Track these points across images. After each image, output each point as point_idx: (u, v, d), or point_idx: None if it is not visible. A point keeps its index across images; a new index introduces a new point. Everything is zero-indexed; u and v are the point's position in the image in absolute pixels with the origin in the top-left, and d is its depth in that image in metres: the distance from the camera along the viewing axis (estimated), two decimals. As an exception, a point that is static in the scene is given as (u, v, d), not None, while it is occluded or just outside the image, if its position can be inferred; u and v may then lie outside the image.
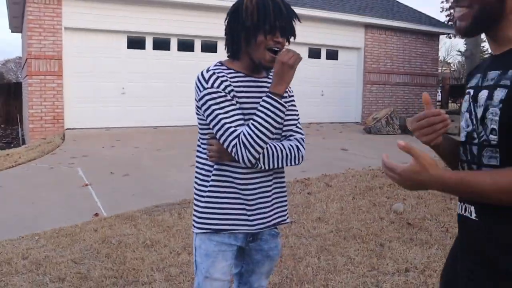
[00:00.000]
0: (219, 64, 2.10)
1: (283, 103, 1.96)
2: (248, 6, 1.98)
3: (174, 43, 13.04)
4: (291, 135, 2.18)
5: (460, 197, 1.51)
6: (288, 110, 2.16)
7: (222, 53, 2.08)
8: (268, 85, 2.11)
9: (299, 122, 2.25)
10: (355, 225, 5.00)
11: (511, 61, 1.41)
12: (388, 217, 5.28)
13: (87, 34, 11.87)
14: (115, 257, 4.21)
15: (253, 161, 1.96)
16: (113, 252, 4.33)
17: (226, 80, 2.01)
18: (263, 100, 1.96)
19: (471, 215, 1.45)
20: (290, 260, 4.12)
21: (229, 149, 1.95)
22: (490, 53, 1.63)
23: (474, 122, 1.47)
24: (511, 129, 1.35)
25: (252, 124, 1.94)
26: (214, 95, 1.97)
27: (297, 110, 2.28)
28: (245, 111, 2.03)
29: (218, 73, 2.02)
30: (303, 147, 2.16)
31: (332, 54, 15.92)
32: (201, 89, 2.00)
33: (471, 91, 1.52)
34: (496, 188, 1.30)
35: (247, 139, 1.92)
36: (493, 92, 1.40)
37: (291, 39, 2.08)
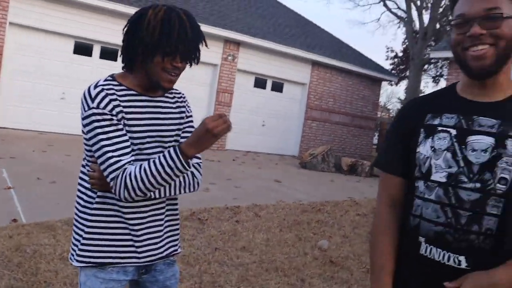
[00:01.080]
0: (110, 79, 1.85)
1: (187, 166, 1.73)
2: (151, 21, 1.75)
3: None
4: None
5: (437, 242, 1.48)
6: (184, 132, 2.01)
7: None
8: (165, 105, 1.94)
9: None
10: (278, 258, 5.01)
11: (509, 112, 1.45)
12: (312, 252, 5.32)
13: (33, 33, 11.52)
14: (27, 267, 4.02)
15: (131, 200, 1.76)
16: (26, 261, 4.14)
17: (115, 100, 1.78)
18: (169, 152, 1.72)
19: (460, 263, 1.44)
20: (209, 287, 4.07)
21: (108, 180, 1.75)
22: (442, 92, 1.64)
23: (462, 164, 1.46)
24: None
25: (144, 170, 1.72)
26: (99, 117, 1.74)
27: None
28: (135, 135, 1.82)
29: (108, 89, 1.78)
30: (200, 173, 1.98)
31: (278, 86, 16.14)
32: (86, 108, 1.76)
33: (452, 131, 1.50)
34: None
35: (131, 181, 1.71)
36: (504, 141, 1.42)
37: (194, 64, 1.88)
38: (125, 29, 1.85)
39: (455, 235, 1.44)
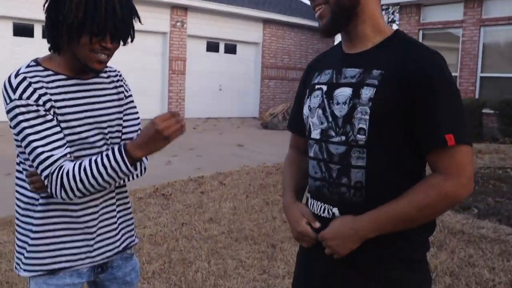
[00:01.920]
0: (34, 64, 1.64)
1: (133, 168, 1.57)
2: None
3: (38, 31, 12.23)
4: None
5: (317, 196, 1.53)
6: (127, 114, 1.82)
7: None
8: (100, 87, 1.74)
9: (140, 128, 1.83)
10: (247, 226, 4.97)
11: (372, 60, 1.44)
12: (280, 216, 5.30)
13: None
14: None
15: (69, 200, 1.60)
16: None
17: (41, 88, 1.58)
18: (113, 152, 1.55)
19: (333, 216, 1.47)
20: (179, 265, 4.00)
21: (42, 178, 1.57)
22: (333, 49, 1.66)
23: (331, 119, 1.47)
24: (380, 128, 1.37)
25: (85, 170, 1.55)
26: (23, 109, 1.54)
27: (137, 113, 1.88)
28: (71, 123, 1.63)
29: (32, 77, 1.58)
30: (146, 157, 1.72)
31: (231, 48, 15.90)
32: (8, 100, 1.55)
33: (324, 87, 1.52)
34: (417, 207, 1.34)
35: (68, 180, 1.54)
36: (359, 90, 1.41)
37: (128, 42, 1.67)
38: (46, 4, 1.61)
39: (329, 189, 1.48)
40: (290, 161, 1.79)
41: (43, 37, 11.82)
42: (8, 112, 1.57)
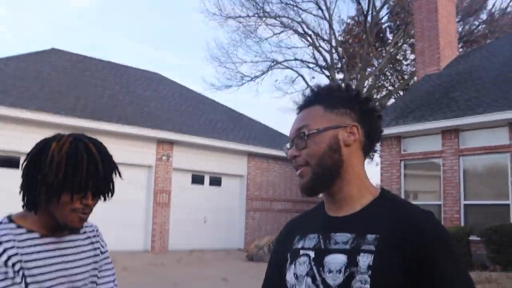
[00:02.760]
0: (7, 221, 1.58)
1: None
2: (55, 157, 1.53)
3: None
4: None
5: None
6: (101, 271, 1.76)
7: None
8: (73, 244, 1.67)
9: (115, 284, 1.81)
10: None
11: (364, 224, 1.37)
12: None
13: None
14: None
15: None
16: None
17: (12, 247, 1.50)
18: None
19: None
20: None
21: None
22: (314, 211, 1.58)
23: None
24: None
25: None
26: None
27: (113, 269, 1.82)
28: (42, 284, 1.54)
29: (2, 235, 1.51)
30: None
31: (216, 181, 16.03)
32: None
33: (311, 253, 1.41)
34: None
35: None
36: (355, 257, 1.31)
37: (108, 197, 1.65)
38: (25, 163, 1.60)
39: None
40: None
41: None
42: None
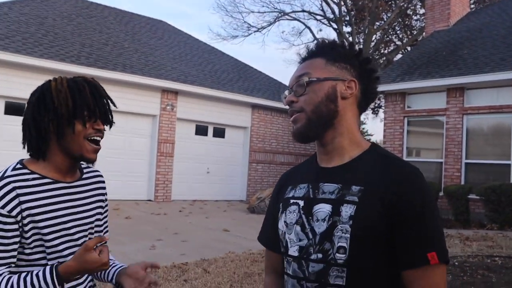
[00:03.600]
0: (20, 167, 1.64)
1: None
2: (61, 90, 1.62)
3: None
4: None
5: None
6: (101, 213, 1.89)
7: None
8: (83, 189, 1.78)
9: (106, 229, 1.97)
10: (230, 317, 4.79)
11: (351, 175, 1.43)
12: (265, 307, 5.13)
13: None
14: None
15: None
16: None
17: (24, 194, 1.58)
18: (43, 273, 1.52)
19: None
20: None
21: None
22: (307, 162, 1.66)
23: (311, 236, 1.42)
24: (361, 247, 1.34)
25: (12, 286, 1.51)
26: None
27: (107, 216, 1.99)
28: (48, 229, 1.62)
29: (16, 181, 1.58)
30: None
31: (219, 132, 16.08)
32: None
33: (300, 202, 1.48)
34: None
35: None
36: (339, 207, 1.38)
37: (107, 128, 1.75)
38: (28, 109, 1.68)
39: None
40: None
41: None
42: None
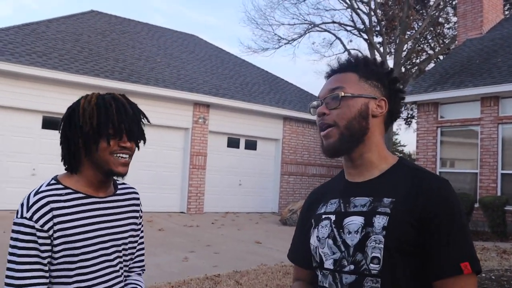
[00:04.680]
0: (54, 182, 1.68)
1: None
2: (86, 108, 1.66)
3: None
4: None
5: None
6: (139, 236, 1.94)
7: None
8: (116, 205, 1.80)
9: (142, 251, 1.98)
10: (263, 329, 4.81)
11: (381, 188, 1.46)
12: (297, 319, 5.13)
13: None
14: None
15: None
16: None
17: (57, 208, 1.61)
18: None
19: None
20: None
21: None
22: (336, 179, 1.68)
23: (343, 248, 1.45)
24: (394, 257, 1.36)
25: None
26: (20, 235, 1.57)
27: (143, 237, 1.98)
28: (79, 243, 1.64)
29: (50, 196, 1.62)
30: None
31: (251, 144, 16.15)
32: (19, 215, 1.58)
33: (332, 217, 1.51)
34: None
35: None
36: (371, 219, 1.41)
37: (141, 144, 1.77)
38: (61, 125, 1.74)
39: None
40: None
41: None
42: (14, 224, 1.59)
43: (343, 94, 1.50)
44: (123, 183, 1.91)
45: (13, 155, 11.64)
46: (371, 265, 1.37)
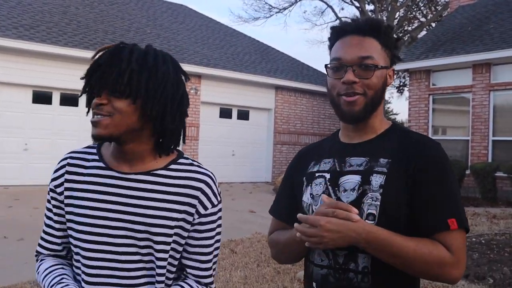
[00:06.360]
0: (92, 146, 1.54)
1: None
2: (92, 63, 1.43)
3: (82, 100, 12.69)
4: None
5: (324, 285, 1.49)
6: (190, 238, 1.48)
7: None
8: (141, 186, 1.43)
9: (214, 264, 1.54)
10: (258, 296, 4.89)
11: (378, 150, 1.51)
12: (292, 286, 5.22)
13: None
14: None
15: None
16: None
17: (75, 173, 1.48)
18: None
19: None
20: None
21: None
22: (328, 139, 1.71)
23: None
24: (388, 214, 1.41)
25: (43, 280, 1.47)
26: (49, 194, 1.54)
27: (212, 243, 1.52)
28: (81, 218, 1.43)
29: (74, 159, 1.50)
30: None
31: (244, 114, 16.14)
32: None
33: (327, 175, 1.54)
34: (417, 256, 1.34)
35: (38, 278, 1.52)
36: (368, 177, 1.45)
37: (136, 97, 1.38)
38: None
39: (336, 275, 1.46)
40: (276, 232, 1.72)
41: (61, 104, 12.23)
42: None
43: (378, 66, 1.49)
44: (193, 164, 1.52)
45: (5, 130, 11.58)
46: (366, 221, 1.40)
